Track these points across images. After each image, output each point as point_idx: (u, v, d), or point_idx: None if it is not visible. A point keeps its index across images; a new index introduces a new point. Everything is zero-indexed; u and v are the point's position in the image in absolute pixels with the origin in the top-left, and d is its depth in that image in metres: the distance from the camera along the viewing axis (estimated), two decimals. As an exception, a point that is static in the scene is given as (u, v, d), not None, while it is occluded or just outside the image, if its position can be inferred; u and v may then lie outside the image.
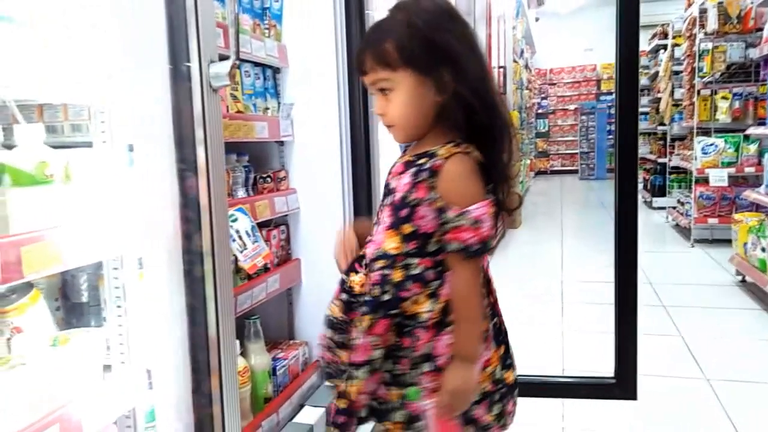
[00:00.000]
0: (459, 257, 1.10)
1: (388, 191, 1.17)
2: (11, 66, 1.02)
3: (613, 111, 12.17)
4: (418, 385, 1.14)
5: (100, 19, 1.10)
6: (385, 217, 1.15)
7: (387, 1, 2.02)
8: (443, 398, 1.13)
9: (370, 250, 1.17)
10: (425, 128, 1.18)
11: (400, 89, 1.13)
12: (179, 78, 1.08)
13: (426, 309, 1.12)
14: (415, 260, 1.12)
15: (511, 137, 1.17)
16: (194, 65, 1.07)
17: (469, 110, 1.13)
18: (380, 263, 1.13)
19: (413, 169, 1.13)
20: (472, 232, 1.07)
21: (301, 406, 1.89)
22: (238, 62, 1.09)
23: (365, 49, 1.15)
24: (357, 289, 1.16)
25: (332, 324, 1.20)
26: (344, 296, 1.18)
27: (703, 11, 5.41)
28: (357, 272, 1.18)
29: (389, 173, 1.21)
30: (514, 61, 7.51)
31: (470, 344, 1.13)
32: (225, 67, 1.08)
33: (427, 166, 1.11)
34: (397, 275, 1.12)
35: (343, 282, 1.20)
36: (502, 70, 6.36)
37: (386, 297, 1.12)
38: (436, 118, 1.16)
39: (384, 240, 1.14)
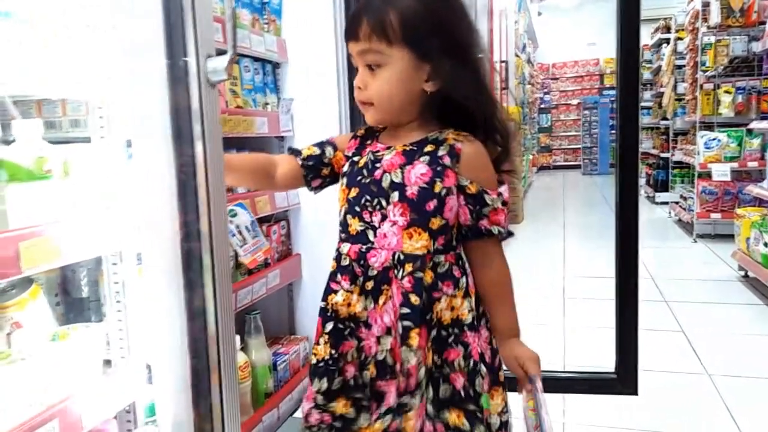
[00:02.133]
0: (496, 240, 1.07)
1: (388, 187, 1.05)
2: (9, 62, 1.02)
3: (615, 106, 12.22)
4: (485, 390, 1.06)
5: (98, 16, 1.10)
6: (396, 216, 1.04)
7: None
8: (536, 367, 1.10)
9: (380, 258, 1.05)
10: (406, 115, 1.08)
11: (391, 67, 1.02)
12: (176, 73, 1.07)
13: (467, 309, 1.05)
14: (442, 257, 1.05)
15: (508, 135, 1.10)
16: (191, 60, 1.06)
17: (459, 105, 1.05)
18: (409, 267, 1.02)
19: (425, 158, 1.04)
20: (505, 214, 1.06)
21: (302, 401, 1.89)
22: (235, 57, 1.09)
23: (362, 14, 1.02)
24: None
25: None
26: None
27: (705, 5, 5.38)
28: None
29: (373, 167, 1.08)
30: (516, 55, 7.48)
31: (517, 323, 1.13)
32: (222, 61, 1.07)
33: (443, 152, 1.03)
34: (428, 277, 1.03)
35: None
36: (504, 64, 6.34)
37: (422, 303, 1.02)
38: (419, 107, 1.07)
39: (403, 241, 1.03)
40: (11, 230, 0.98)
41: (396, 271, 1.04)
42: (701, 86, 5.49)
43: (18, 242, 0.97)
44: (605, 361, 2.03)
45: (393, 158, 1.07)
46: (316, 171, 1.21)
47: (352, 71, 1.96)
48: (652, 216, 6.85)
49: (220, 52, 1.15)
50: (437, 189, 1.02)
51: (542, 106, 13.48)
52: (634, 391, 1.95)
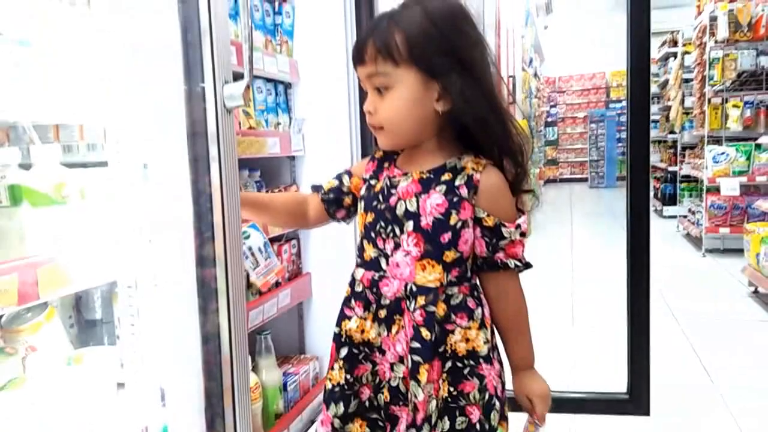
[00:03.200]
0: (514, 273, 1.06)
1: (402, 215, 1.03)
2: (29, 88, 1.03)
3: (622, 119, 12.07)
4: (499, 424, 1.05)
5: (116, 44, 1.11)
6: (410, 246, 1.02)
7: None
8: (543, 406, 1.09)
9: (392, 288, 1.03)
10: (420, 137, 1.05)
11: (399, 88, 0.99)
12: (194, 98, 1.08)
13: (483, 340, 1.04)
14: (456, 289, 1.03)
15: (524, 153, 1.07)
16: (209, 86, 1.07)
17: (472, 124, 1.01)
18: (421, 300, 1.01)
19: (441, 187, 1.02)
20: (523, 246, 1.04)
21: (312, 422, 1.88)
22: (251, 83, 1.10)
23: (368, 36, 1.00)
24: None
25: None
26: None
27: (713, 19, 5.39)
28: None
29: (388, 193, 1.06)
30: (523, 69, 7.50)
31: (532, 352, 1.12)
32: (239, 87, 1.08)
33: (460, 182, 1.01)
34: (440, 310, 1.02)
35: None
36: (511, 79, 6.35)
37: (433, 336, 1.00)
38: (433, 129, 1.04)
39: (416, 272, 1.02)
40: (30, 256, 0.99)
41: (408, 303, 1.02)
42: (709, 100, 5.49)
43: (36, 268, 0.97)
44: (614, 380, 2.01)
45: (409, 186, 1.04)
46: (338, 203, 1.21)
47: (363, 91, 1.97)
48: (659, 230, 6.82)
49: (236, 75, 1.16)
50: (452, 221, 1.01)
51: (548, 119, 13.50)
52: (646, 412, 1.94)
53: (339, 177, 1.22)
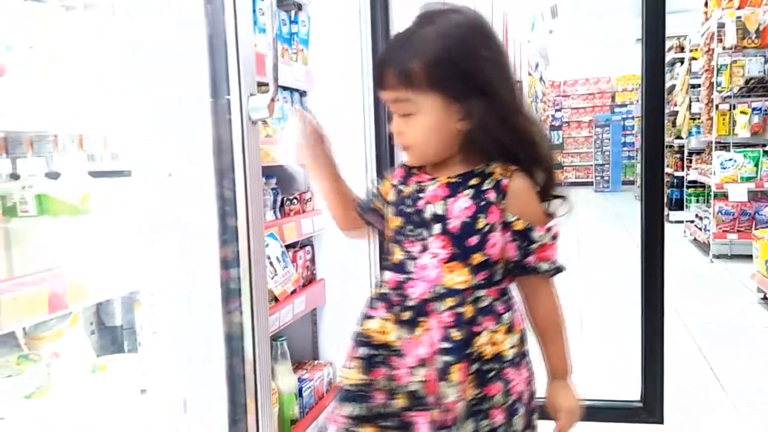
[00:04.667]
0: (546, 276, 1.07)
1: (430, 218, 1.04)
2: (59, 100, 1.05)
3: (627, 123, 11.98)
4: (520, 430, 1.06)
5: (143, 56, 1.13)
6: (437, 248, 1.04)
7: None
8: (568, 421, 1.09)
9: (418, 289, 1.05)
10: (446, 153, 1.07)
11: (422, 114, 1.02)
12: (219, 110, 1.10)
13: (509, 345, 1.05)
14: (483, 291, 1.04)
15: (551, 159, 1.08)
16: (234, 98, 1.09)
17: (491, 145, 1.04)
18: (449, 302, 1.03)
19: (469, 191, 1.04)
20: (555, 249, 1.05)
21: (327, 429, 1.89)
22: (277, 95, 1.11)
23: (388, 64, 1.03)
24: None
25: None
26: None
27: (721, 26, 5.39)
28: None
29: (417, 197, 1.08)
30: (529, 74, 7.52)
31: (568, 359, 1.12)
32: (264, 100, 1.10)
33: (488, 186, 1.03)
34: (468, 311, 1.03)
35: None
36: (518, 84, 6.36)
37: (462, 338, 1.02)
38: (459, 145, 1.06)
39: (443, 274, 1.03)
40: (58, 266, 1.00)
41: (435, 305, 1.03)
42: (717, 107, 5.49)
43: (65, 278, 0.99)
44: (624, 387, 2.01)
45: (437, 190, 1.06)
46: (369, 206, 1.21)
47: (377, 100, 1.99)
48: (666, 234, 6.79)
49: (259, 84, 1.18)
50: (480, 225, 1.02)
51: (553, 123, 13.50)
52: (659, 420, 1.95)
53: (373, 181, 1.24)
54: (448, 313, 1.02)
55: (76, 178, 1.13)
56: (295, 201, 1.94)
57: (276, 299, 1.78)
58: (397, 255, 1.09)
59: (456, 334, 1.02)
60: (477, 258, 1.03)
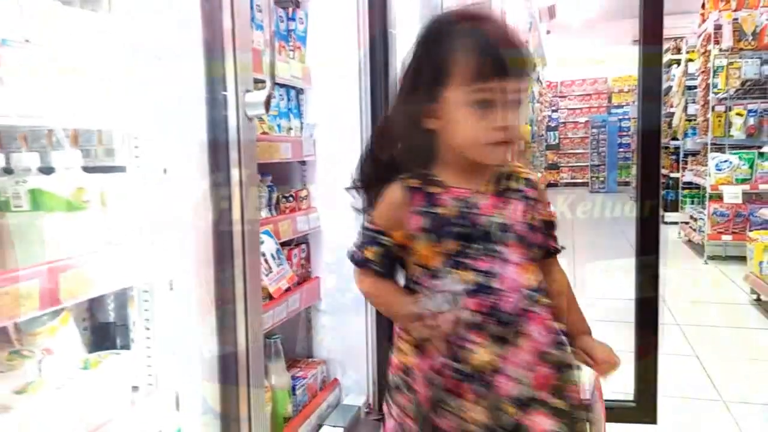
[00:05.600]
0: (557, 254, 1.17)
1: (495, 229, 1.03)
2: (56, 95, 1.04)
3: (623, 124, 11.99)
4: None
5: (139, 51, 1.12)
6: (514, 256, 1.03)
7: (411, 21, 2.06)
8: (608, 365, 1.13)
9: (514, 302, 1.01)
10: None
11: (525, 102, 1.02)
12: (216, 106, 1.09)
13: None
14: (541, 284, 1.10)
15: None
16: (230, 94, 1.09)
17: None
18: (542, 300, 1.05)
19: (516, 194, 1.07)
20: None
21: (320, 426, 1.89)
22: (273, 92, 1.11)
23: (520, 50, 1.00)
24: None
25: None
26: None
27: (717, 27, 5.41)
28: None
29: (469, 213, 1.03)
30: (527, 74, 7.51)
31: (586, 321, 1.20)
32: (260, 96, 1.09)
33: (523, 186, 1.09)
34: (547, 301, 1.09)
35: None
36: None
37: (559, 325, 1.08)
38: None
39: (526, 278, 1.03)
40: (51, 262, 0.99)
41: (533, 309, 1.03)
42: (713, 108, 5.51)
43: (58, 274, 0.98)
44: (619, 386, 2.01)
45: (488, 201, 1.05)
46: (394, 263, 1.13)
47: (374, 97, 1.99)
48: (661, 236, 6.82)
49: (256, 81, 1.17)
50: (535, 223, 1.08)
51: (550, 123, 13.51)
52: (653, 420, 1.95)
53: (375, 242, 1.10)
54: (545, 311, 1.05)
55: (70, 173, 1.12)
56: (290, 198, 1.93)
57: (270, 297, 1.77)
58: (470, 277, 1.02)
59: (558, 325, 1.07)
60: (535, 252, 1.08)
